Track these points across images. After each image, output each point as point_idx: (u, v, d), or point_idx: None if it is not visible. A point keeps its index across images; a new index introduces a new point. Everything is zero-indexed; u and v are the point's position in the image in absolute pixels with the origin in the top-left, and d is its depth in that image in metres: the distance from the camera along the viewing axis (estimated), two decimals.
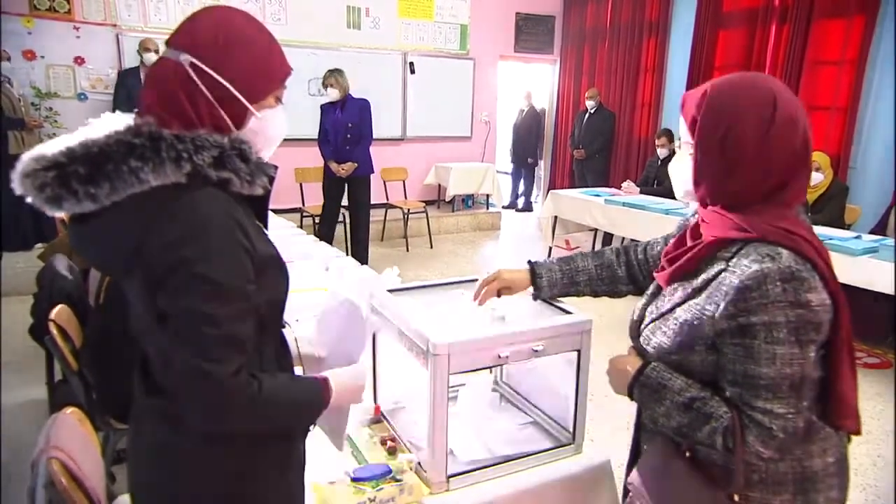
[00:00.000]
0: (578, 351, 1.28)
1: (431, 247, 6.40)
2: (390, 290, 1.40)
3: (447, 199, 7.31)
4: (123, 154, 0.84)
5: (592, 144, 6.76)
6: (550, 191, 6.13)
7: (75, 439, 1.21)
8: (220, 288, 0.86)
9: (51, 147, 0.85)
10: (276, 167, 1.02)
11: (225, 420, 0.89)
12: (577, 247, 6.43)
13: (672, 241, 1.17)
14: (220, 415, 0.88)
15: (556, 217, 5.72)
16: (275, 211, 5.03)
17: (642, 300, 1.19)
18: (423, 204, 6.55)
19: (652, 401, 1.05)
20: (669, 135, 5.50)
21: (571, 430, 1.35)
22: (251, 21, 0.99)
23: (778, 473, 1.02)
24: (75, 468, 1.12)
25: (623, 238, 5.78)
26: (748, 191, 0.99)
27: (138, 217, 0.87)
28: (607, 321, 4.38)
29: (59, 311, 1.83)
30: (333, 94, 5.08)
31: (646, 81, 6.94)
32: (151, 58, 5.09)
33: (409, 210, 6.32)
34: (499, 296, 1.31)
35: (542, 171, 8.64)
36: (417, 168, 7.21)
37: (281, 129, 1.04)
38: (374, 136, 6.94)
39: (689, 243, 1.07)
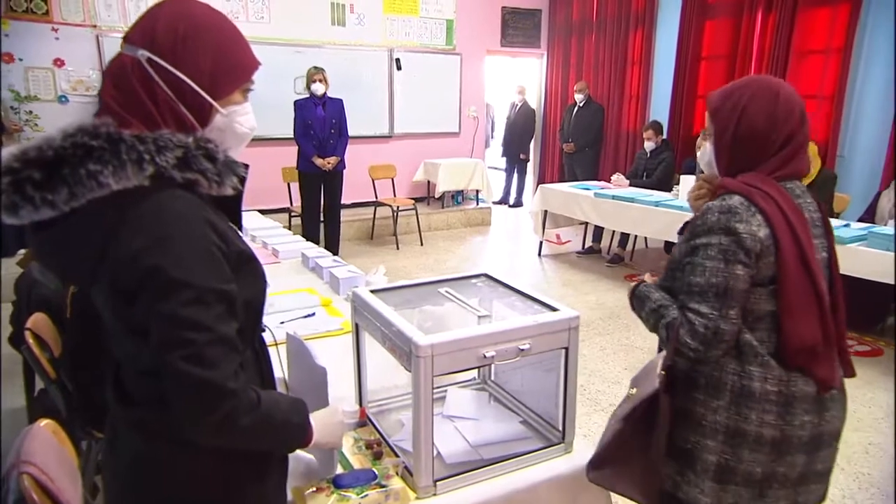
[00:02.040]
0: (566, 349, 1.26)
1: (422, 244, 6.37)
2: (373, 291, 1.36)
3: (437, 196, 7.28)
4: (81, 157, 0.80)
5: (582, 138, 6.74)
6: (540, 185, 6.11)
7: (49, 452, 1.16)
8: (200, 291, 0.82)
9: (6, 152, 0.81)
10: (246, 166, 0.98)
11: (234, 428, 0.84)
12: (568, 240, 6.42)
13: None
14: (227, 423, 0.84)
15: (545, 211, 5.70)
16: (262, 211, 5.03)
17: None
18: (413, 201, 6.51)
19: (639, 307, 1.36)
20: (657, 127, 5.49)
21: (561, 428, 1.32)
22: (212, 13, 0.94)
23: (719, 382, 1.24)
24: (48, 483, 1.08)
25: (613, 231, 5.78)
26: (752, 161, 1.26)
27: (100, 223, 0.83)
28: (599, 314, 4.38)
29: (35, 320, 1.78)
30: (320, 90, 5.09)
31: (633, 74, 6.93)
32: None
33: (398, 208, 6.27)
34: None
35: (533, 166, 8.61)
36: (406, 165, 7.17)
37: (250, 126, 1.00)
38: (363, 134, 6.94)
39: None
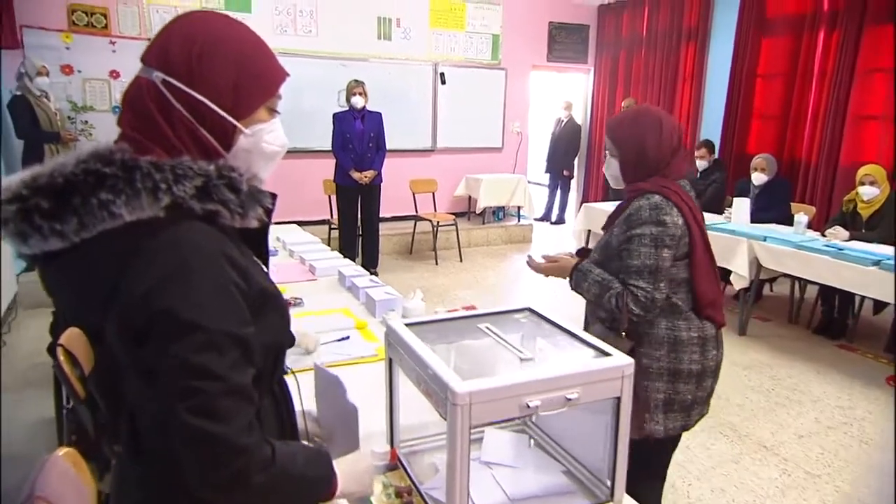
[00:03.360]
0: (618, 398, 1.14)
1: (461, 260, 6.28)
2: (408, 324, 1.27)
3: (477, 212, 7.19)
4: (92, 185, 0.74)
5: None
6: (583, 203, 5.96)
7: (65, 485, 1.11)
8: (213, 335, 0.74)
9: (17, 177, 0.75)
10: (274, 196, 0.91)
11: (246, 487, 0.76)
12: None
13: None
14: (238, 482, 0.75)
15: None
16: (302, 223, 5.04)
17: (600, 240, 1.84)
18: (453, 216, 6.44)
19: (581, 280, 1.73)
20: (710, 146, 5.27)
21: (609, 484, 1.20)
22: (231, 26, 0.87)
23: (658, 336, 1.67)
24: None
25: None
26: (649, 172, 1.65)
27: (111, 257, 0.76)
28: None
29: (69, 335, 1.74)
30: (359, 103, 5.10)
31: (684, 90, 6.73)
32: None
33: (438, 223, 6.21)
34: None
35: (577, 183, 8.45)
36: (447, 180, 7.11)
37: (279, 143, 0.93)
38: (405, 148, 6.94)
39: (619, 206, 1.75)
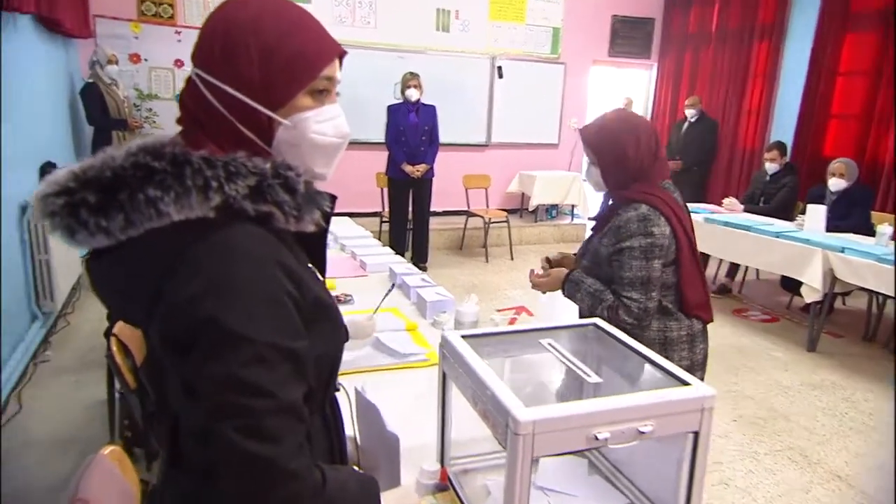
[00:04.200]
0: (696, 433, 1.03)
1: (512, 258, 6.16)
2: (465, 337, 1.19)
3: (530, 209, 7.05)
4: (140, 180, 0.68)
5: (691, 156, 6.27)
6: None
7: (109, 486, 1.09)
8: (262, 348, 0.68)
9: (66, 170, 0.70)
10: (333, 198, 0.83)
11: None
12: None
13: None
14: None
15: None
16: (354, 214, 5.03)
17: (583, 244, 1.89)
18: (505, 213, 6.32)
19: (574, 290, 1.76)
20: (782, 148, 4.98)
21: None
22: (262, 8, 0.78)
23: (650, 338, 1.68)
24: None
25: (720, 261, 5.31)
26: (630, 178, 1.67)
27: (157, 259, 0.70)
28: None
29: (122, 325, 1.76)
30: (414, 96, 5.05)
31: (754, 88, 6.38)
32: None
33: (490, 219, 6.11)
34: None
35: None
36: (501, 175, 7.00)
37: (336, 133, 0.83)
38: (459, 142, 6.86)
39: (605, 212, 1.76)
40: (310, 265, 0.87)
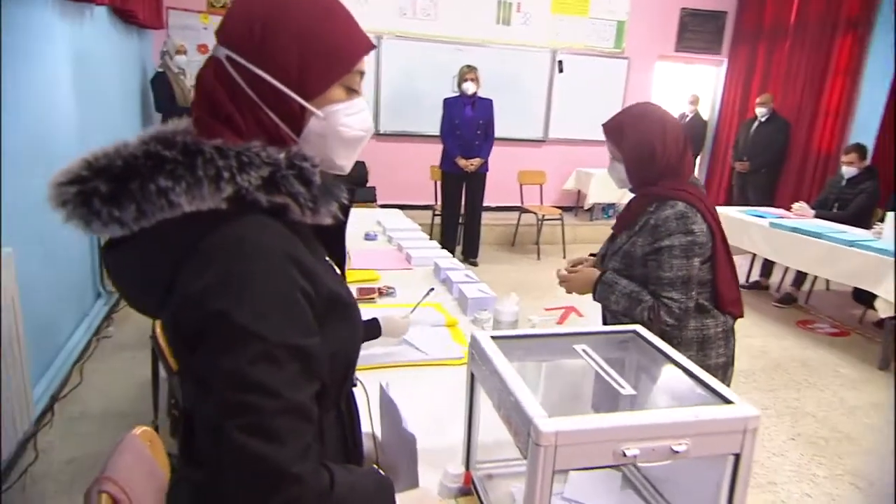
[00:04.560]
0: (737, 455, 0.95)
1: (564, 256, 6.04)
2: (495, 338, 1.15)
3: (586, 207, 6.89)
4: (151, 170, 0.67)
5: (759, 157, 5.95)
6: None
7: (138, 466, 1.11)
8: (272, 346, 0.66)
9: (79, 158, 0.70)
10: (351, 190, 0.81)
11: None
12: None
13: (620, 212, 1.79)
14: None
15: None
16: (406, 207, 5.04)
17: (605, 244, 1.85)
18: (560, 210, 6.20)
19: (608, 293, 1.69)
20: (862, 150, 4.65)
21: None
22: None
23: (688, 338, 1.66)
24: (127, 503, 1.02)
25: (786, 268, 5.02)
26: (658, 174, 1.62)
27: (169, 251, 0.69)
28: (761, 364, 3.75)
29: None
30: (470, 89, 5.01)
31: (834, 86, 6.00)
32: None
33: (543, 216, 6.00)
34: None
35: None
36: (557, 172, 6.87)
37: (362, 127, 0.82)
38: (516, 137, 6.77)
39: (628, 210, 1.72)
40: (327, 260, 0.85)
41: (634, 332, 1.23)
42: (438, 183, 5.63)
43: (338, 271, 0.87)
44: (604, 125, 1.71)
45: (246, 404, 0.65)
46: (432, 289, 1.98)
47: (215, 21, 5.87)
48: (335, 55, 0.78)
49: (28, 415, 2.25)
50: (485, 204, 5.52)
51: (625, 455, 0.88)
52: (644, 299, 1.62)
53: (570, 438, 0.86)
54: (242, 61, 0.74)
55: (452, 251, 5.45)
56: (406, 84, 6.43)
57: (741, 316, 1.73)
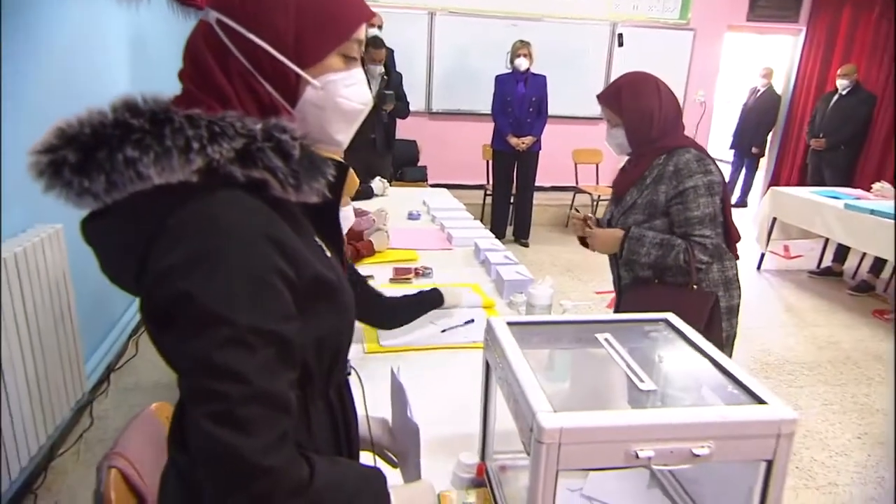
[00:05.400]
0: (769, 461, 0.86)
1: None
2: (512, 324, 1.08)
3: None
4: (119, 139, 0.64)
5: (837, 133, 5.51)
6: (771, 187, 5.17)
7: (151, 443, 1.12)
8: (241, 330, 0.62)
9: (54, 125, 0.68)
10: (340, 165, 0.76)
11: None
12: (799, 255, 5.37)
13: (616, 177, 1.93)
14: None
15: (774, 219, 4.80)
16: (458, 186, 4.97)
17: (608, 209, 1.96)
18: None
19: (638, 246, 1.74)
20: None
21: None
22: None
23: (713, 278, 1.78)
24: (136, 478, 1.03)
25: (863, 254, 4.66)
26: (658, 134, 1.75)
27: (142, 224, 0.66)
28: (829, 356, 3.49)
29: None
30: (523, 65, 4.86)
31: None
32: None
33: (598, 196, 5.81)
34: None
35: (766, 162, 7.40)
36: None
37: (360, 100, 0.78)
38: (572, 115, 6.56)
39: (630, 170, 1.85)
40: (316, 240, 0.80)
41: (665, 320, 1.14)
42: (490, 162, 5.53)
43: (328, 253, 0.82)
44: (600, 95, 1.81)
45: (213, 391, 0.61)
46: (472, 320, 1.88)
47: None
48: (333, 21, 0.73)
49: (81, 384, 2.36)
50: (538, 184, 5.38)
51: (637, 457, 0.81)
52: (676, 243, 1.70)
53: (576, 436, 0.79)
54: (235, 25, 0.70)
55: (504, 231, 5.36)
56: (459, 61, 6.31)
57: (738, 258, 1.86)
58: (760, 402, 0.88)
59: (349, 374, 0.88)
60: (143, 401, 2.67)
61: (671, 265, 1.72)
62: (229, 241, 0.64)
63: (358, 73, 0.78)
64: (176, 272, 0.63)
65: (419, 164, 5.91)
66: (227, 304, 0.62)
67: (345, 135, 0.80)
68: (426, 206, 3.39)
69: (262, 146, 0.67)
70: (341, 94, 0.76)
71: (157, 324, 0.67)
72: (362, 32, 0.77)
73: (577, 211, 1.93)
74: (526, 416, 0.83)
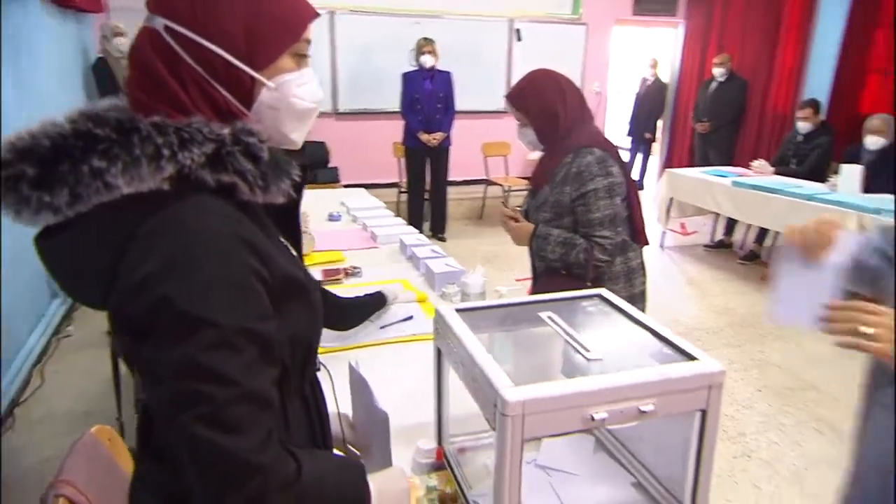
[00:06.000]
0: (704, 411, 0.95)
1: None
2: (459, 310, 1.13)
3: None
4: (83, 150, 0.62)
5: (719, 117, 6.01)
6: (666, 169, 5.55)
7: (96, 466, 1.07)
8: (225, 332, 0.63)
9: (4, 140, 0.64)
10: (304, 168, 0.77)
11: None
12: (694, 231, 5.81)
13: (535, 168, 1.96)
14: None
15: (671, 199, 5.16)
16: (371, 185, 4.96)
17: (526, 200, 2.04)
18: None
19: (544, 244, 1.81)
20: (816, 105, 4.73)
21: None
22: None
23: (615, 271, 1.84)
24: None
25: (749, 226, 5.13)
26: (566, 129, 1.78)
27: (108, 236, 0.65)
28: (727, 320, 3.82)
29: None
30: (429, 62, 4.92)
31: (787, 45, 6.08)
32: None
33: (510, 187, 6.00)
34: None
35: (659, 147, 7.93)
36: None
37: (312, 98, 0.79)
38: (478, 109, 6.70)
39: (545, 162, 1.87)
40: (282, 240, 0.81)
41: (599, 295, 1.23)
42: (402, 160, 5.56)
43: (293, 252, 0.83)
44: (507, 96, 1.86)
45: (200, 394, 0.62)
46: (411, 317, 1.91)
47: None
48: (284, 22, 0.74)
49: None
50: (450, 178, 5.47)
51: (593, 419, 0.88)
52: (577, 243, 1.76)
53: (538, 406, 0.85)
54: (185, 31, 0.69)
55: (420, 228, 5.41)
56: (363, 60, 6.29)
57: (647, 243, 1.94)
58: (692, 359, 0.97)
59: (318, 370, 0.89)
60: (58, 430, 2.50)
61: (573, 262, 1.78)
62: (205, 245, 0.64)
63: (309, 72, 0.79)
64: (153, 279, 0.62)
65: (330, 165, 5.83)
66: (208, 307, 0.63)
67: (299, 133, 0.81)
68: (345, 207, 3.37)
69: (231, 150, 0.67)
70: (295, 94, 0.77)
71: (133, 335, 0.65)
72: (311, 31, 0.78)
73: (505, 205, 2.05)
74: (489, 394, 0.88)
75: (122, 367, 2.14)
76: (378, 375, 1.48)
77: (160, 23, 0.69)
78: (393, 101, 5.43)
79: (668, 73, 7.75)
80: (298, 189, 0.79)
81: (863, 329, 0.89)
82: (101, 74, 4.76)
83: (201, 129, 0.67)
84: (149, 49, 0.70)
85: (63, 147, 0.63)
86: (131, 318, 0.65)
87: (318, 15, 0.78)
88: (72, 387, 2.84)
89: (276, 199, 0.73)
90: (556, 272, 1.86)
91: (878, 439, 1.15)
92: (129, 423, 2.25)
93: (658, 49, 7.88)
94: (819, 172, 4.66)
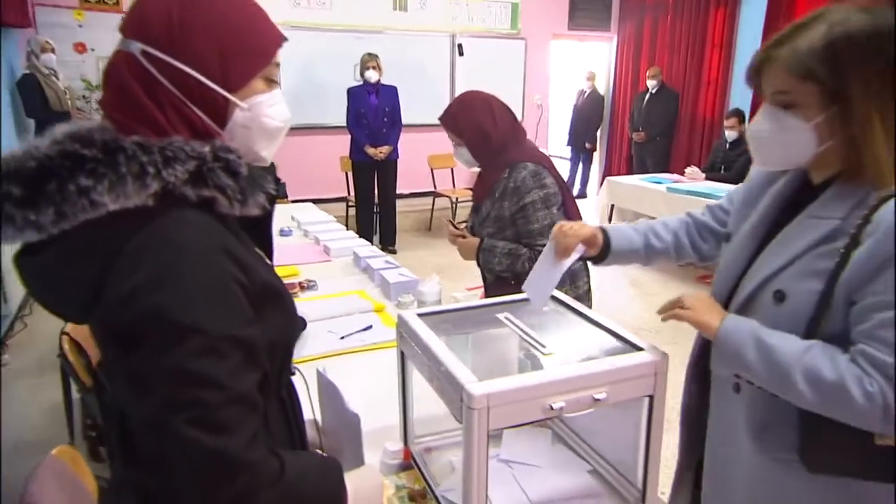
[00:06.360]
0: (651, 396, 1.04)
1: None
2: (421, 315, 1.18)
3: None
4: (70, 169, 0.65)
5: (654, 127, 6.33)
6: (606, 177, 5.79)
7: (59, 486, 1.06)
8: (212, 338, 0.66)
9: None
10: (277, 182, 0.82)
11: None
12: None
13: (475, 183, 2.04)
14: (243, 501, 0.68)
15: (612, 205, 5.38)
16: (319, 200, 4.95)
17: (470, 216, 2.10)
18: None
19: (490, 256, 1.88)
20: (741, 115, 5.06)
21: (641, 486, 1.11)
22: None
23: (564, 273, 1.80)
24: None
25: None
26: (499, 147, 1.86)
27: (94, 252, 0.67)
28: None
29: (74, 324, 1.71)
30: (373, 77, 4.98)
31: (712, 58, 6.45)
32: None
33: (457, 199, 6.09)
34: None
35: (599, 156, 8.23)
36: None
37: (282, 118, 0.83)
38: (423, 123, 6.79)
39: (484, 177, 1.94)
40: (257, 250, 0.85)
41: (551, 296, 1.31)
42: (349, 174, 5.57)
43: (267, 261, 0.87)
44: (440, 118, 1.94)
45: (191, 399, 0.65)
46: (371, 326, 1.95)
47: (91, 18, 5.47)
48: (255, 46, 0.78)
49: None
50: (398, 191, 5.52)
51: (552, 408, 0.94)
52: (521, 253, 1.83)
53: (501, 399, 0.91)
54: (161, 55, 0.72)
55: (370, 241, 5.42)
56: (307, 76, 6.27)
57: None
58: (638, 349, 1.06)
59: (293, 374, 0.92)
60: (11, 462, 2.38)
61: (520, 271, 1.83)
62: (190, 257, 0.68)
63: (278, 93, 0.83)
64: (141, 291, 0.65)
65: (277, 180, 5.78)
66: (196, 316, 0.66)
67: (268, 151, 0.85)
68: (296, 222, 3.37)
69: (212, 167, 0.71)
70: (266, 114, 0.81)
71: (118, 346, 0.67)
72: (279, 55, 0.82)
73: (451, 222, 2.10)
74: (454, 390, 0.94)
75: (73, 392, 2.08)
76: (342, 383, 1.50)
77: (137, 47, 0.72)
78: (338, 116, 5.45)
79: (604, 84, 8.07)
80: (272, 201, 0.83)
81: (681, 304, 1.14)
82: (28, 90, 4.58)
83: (183, 148, 0.71)
84: (125, 72, 0.72)
85: (49, 168, 0.66)
86: (118, 330, 0.67)
87: (286, 39, 0.83)
88: (11, 418, 2.71)
89: (253, 212, 0.77)
90: (505, 281, 1.91)
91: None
92: (82, 449, 2.18)
93: (594, 62, 8.20)
94: (745, 177, 4.95)
